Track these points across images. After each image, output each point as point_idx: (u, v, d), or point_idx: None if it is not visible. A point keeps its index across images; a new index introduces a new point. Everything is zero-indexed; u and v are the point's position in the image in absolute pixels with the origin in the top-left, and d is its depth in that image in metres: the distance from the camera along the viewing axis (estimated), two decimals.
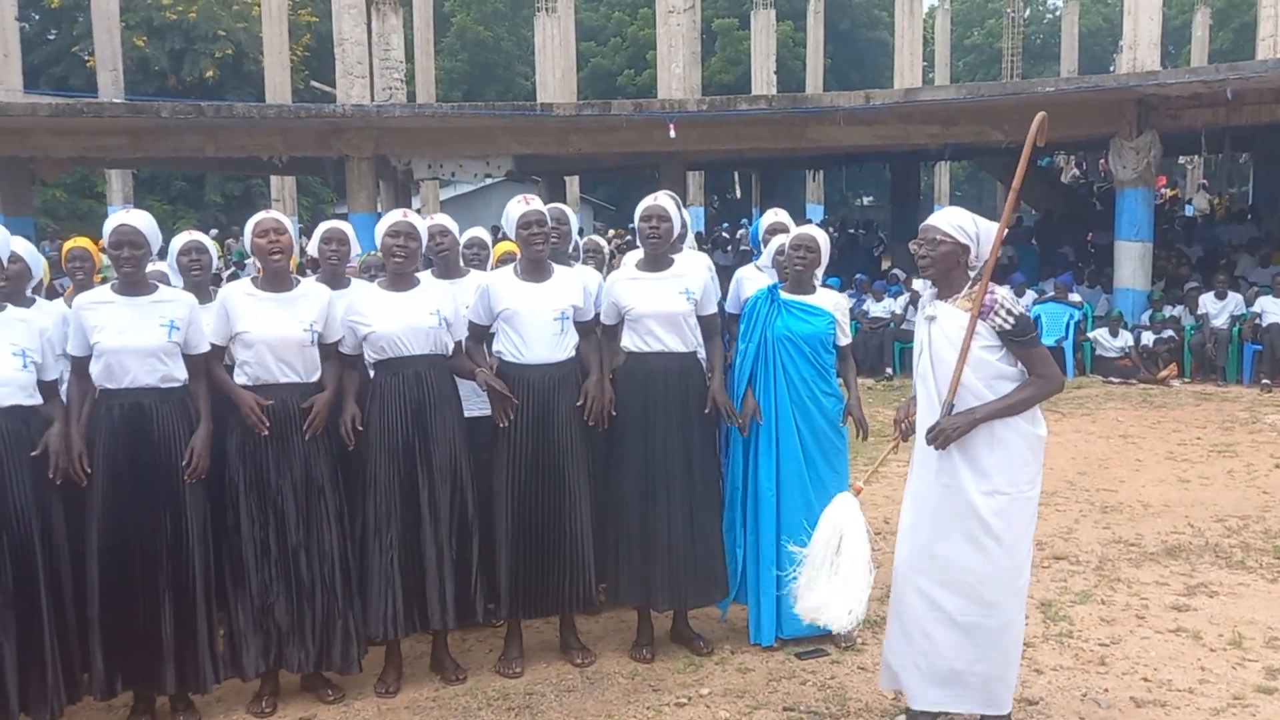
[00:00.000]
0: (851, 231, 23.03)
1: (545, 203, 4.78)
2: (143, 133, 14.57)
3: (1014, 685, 3.74)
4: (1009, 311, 3.54)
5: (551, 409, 4.40)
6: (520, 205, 4.47)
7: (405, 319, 4.25)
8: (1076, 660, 4.59)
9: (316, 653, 4.19)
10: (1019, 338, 3.55)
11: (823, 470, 4.66)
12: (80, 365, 3.97)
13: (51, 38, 30.34)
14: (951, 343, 3.58)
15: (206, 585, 4.07)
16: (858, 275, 15.35)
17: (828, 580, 3.72)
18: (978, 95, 13.71)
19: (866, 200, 41.35)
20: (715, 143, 14.97)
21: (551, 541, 4.45)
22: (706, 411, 4.52)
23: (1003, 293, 3.59)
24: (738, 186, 35.02)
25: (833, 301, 4.79)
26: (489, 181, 18.86)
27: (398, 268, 4.34)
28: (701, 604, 4.78)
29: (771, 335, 4.68)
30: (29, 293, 4.51)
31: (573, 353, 4.50)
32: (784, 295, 4.73)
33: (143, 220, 4.06)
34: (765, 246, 5.42)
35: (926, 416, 3.66)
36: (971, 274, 3.68)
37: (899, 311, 13.56)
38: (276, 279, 4.22)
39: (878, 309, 13.86)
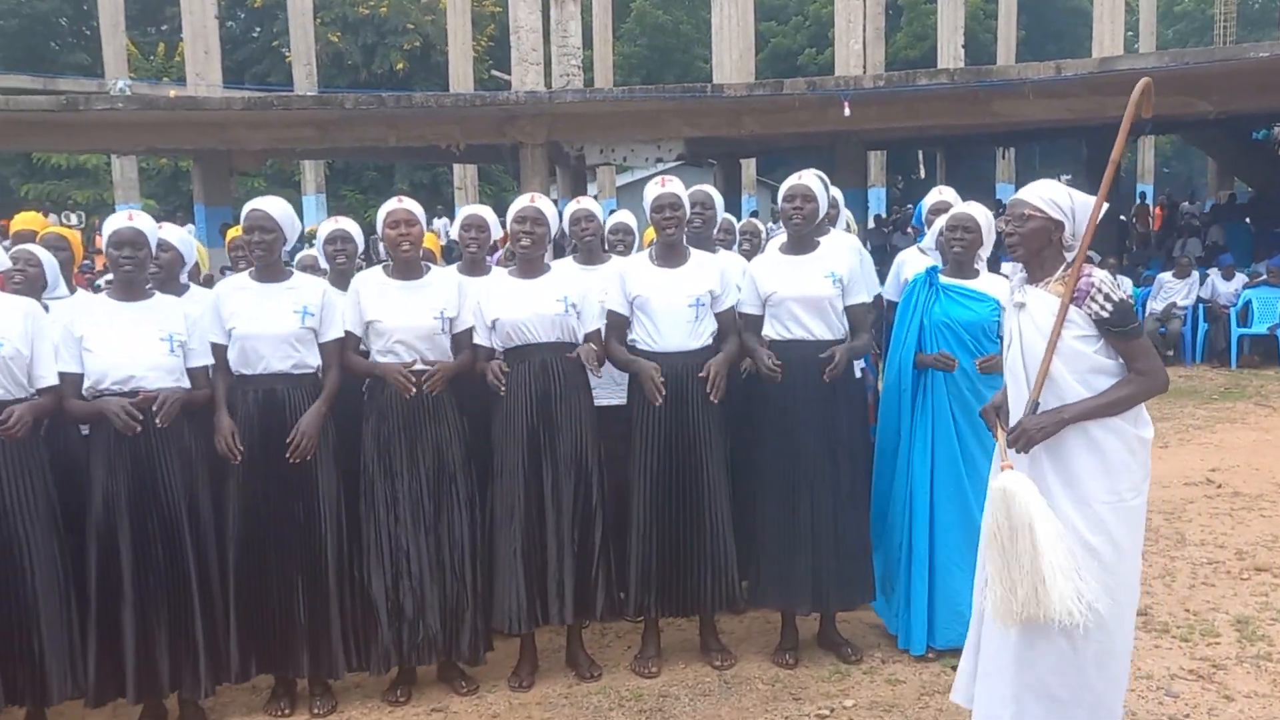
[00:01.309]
0: None
1: (721, 186, 4.59)
2: (329, 124, 15.14)
3: (1120, 713, 3.31)
4: (1107, 297, 3.11)
5: (686, 399, 4.21)
6: (655, 188, 4.29)
7: (532, 306, 4.15)
8: (1274, 687, 4.08)
9: (445, 642, 4.16)
10: (1118, 328, 3.12)
11: (984, 468, 4.27)
12: (220, 351, 4.02)
13: (255, 35, 32.11)
14: (1042, 333, 3.17)
15: (339, 571, 4.08)
16: None
17: (1026, 572, 3.10)
18: (1181, 63, 12.66)
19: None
20: (893, 120, 14.40)
21: (689, 536, 4.27)
22: (825, 378, 4.17)
23: (1100, 275, 3.16)
24: (922, 165, 33.86)
25: (997, 287, 4.40)
26: (663, 166, 18.76)
27: (524, 253, 4.25)
28: (845, 607, 4.50)
29: (929, 322, 4.35)
30: (183, 278, 4.63)
31: (709, 341, 4.30)
32: (943, 280, 4.38)
33: (276, 206, 4.08)
34: (929, 228, 5.07)
35: (1016, 416, 3.24)
36: (1068, 255, 3.25)
37: None
38: (407, 267, 4.18)
39: None
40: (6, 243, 4.64)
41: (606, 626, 4.78)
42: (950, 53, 26.16)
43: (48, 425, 3.89)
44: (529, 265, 4.28)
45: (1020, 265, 3.33)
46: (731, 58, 25.12)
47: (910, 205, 24.82)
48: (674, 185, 4.30)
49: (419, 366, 4.05)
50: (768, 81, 16.94)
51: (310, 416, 3.96)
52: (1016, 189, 3.46)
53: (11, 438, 3.59)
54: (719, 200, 5.02)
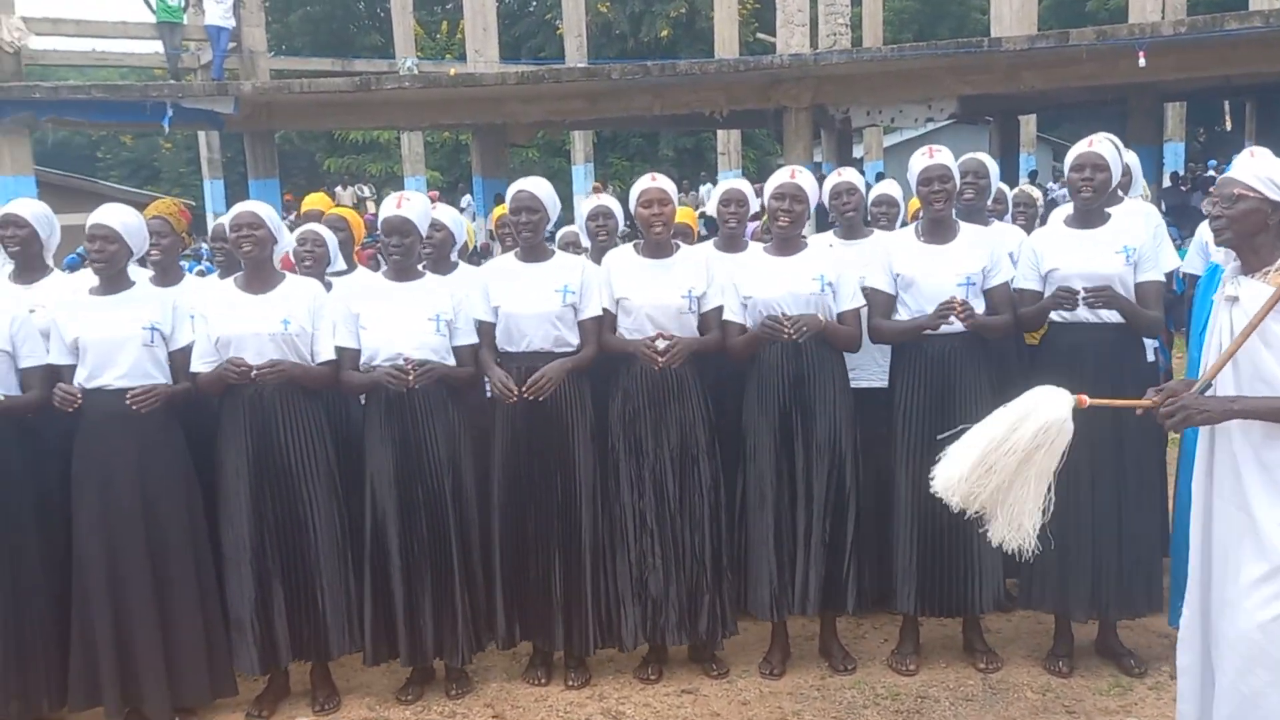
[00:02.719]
0: None
1: (997, 144, 4.29)
2: (597, 95, 15.45)
3: None
4: None
5: (952, 384, 3.95)
6: (922, 159, 4.01)
7: (787, 285, 4.00)
8: None
9: (686, 625, 4.12)
10: None
11: None
12: (486, 328, 4.12)
13: (530, 9, 33.27)
14: (1258, 331, 2.71)
15: (594, 548, 4.12)
16: None
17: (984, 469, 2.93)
18: None
19: None
20: (1196, 69, 13.13)
21: (954, 531, 4.01)
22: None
23: None
24: (1228, 117, 30.81)
25: None
26: (933, 125, 17.99)
27: (781, 231, 4.09)
28: (1126, 616, 4.11)
29: None
30: (454, 257, 4.79)
31: None
32: None
33: (541, 187, 4.13)
34: None
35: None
36: None
37: None
38: (658, 246, 4.13)
39: None
40: (291, 218, 4.97)
41: (861, 617, 4.60)
42: None
43: (328, 395, 4.12)
44: (785, 242, 4.13)
45: (1233, 253, 2.89)
46: (1010, 7, 23.59)
47: (1214, 162, 22.62)
48: (943, 155, 4.02)
49: (661, 344, 3.98)
50: (1051, 33, 15.79)
51: (556, 364, 3.96)
52: None
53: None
54: (993, 169, 4.67)
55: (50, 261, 4.34)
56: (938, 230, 4.05)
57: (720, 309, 4.12)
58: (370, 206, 22.15)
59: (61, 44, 23.05)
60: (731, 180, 4.80)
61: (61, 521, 3.90)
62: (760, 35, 27.75)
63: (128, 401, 3.73)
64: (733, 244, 4.61)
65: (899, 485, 4.09)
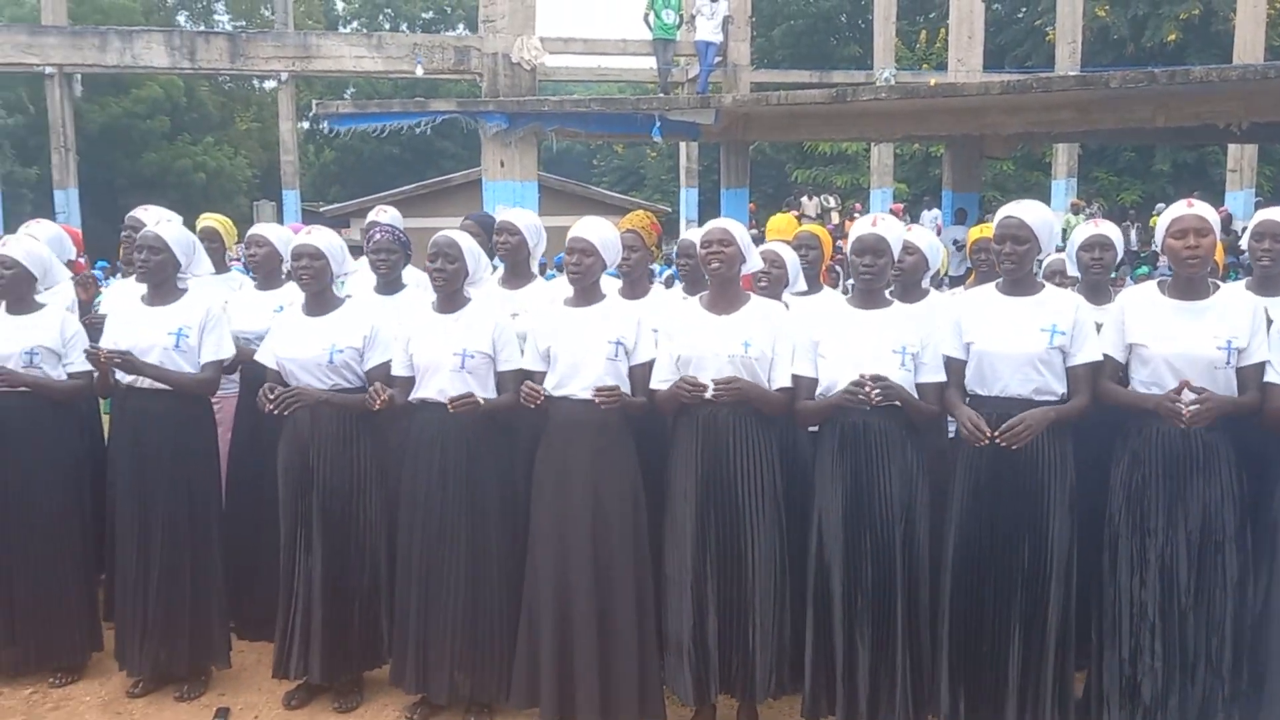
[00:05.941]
0: None
1: None
2: (1090, 105, 14.19)
3: None
4: None
5: None
6: None
7: (1190, 343, 3.35)
8: None
9: None
10: None
11: None
12: (954, 365, 3.73)
13: (1019, 17, 31.60)
14: None
15: (1063, 629, 3.59)
16: None
17: None
18: None
19: None
20: None
21: None
22: None
23: None
24: None
25: None
26: None
27: (1189, 271, 3.44)
28: None
29: None
30: (925, 283, 4.44)
31: None
32: None
33: (1034, 213, 3.67)
34: None
35: None
36: None
37: None
38: (1189, 286, 3.51)
39: None
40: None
41: None
42: None
43: (780, 424, 3.93)
44: (1189, 285, 3.49)
45: None
46: None
47: None
48: None
49: (1187, 397, 3.35)
50: None
51: (1039, 412, 3.47)
52: None
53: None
54: None
55: (535, 268, 4.55)
56: None
57: (1261, 366, 3.42)
58: (834, 217, 22.15)
59: (569, 61, 25.38)
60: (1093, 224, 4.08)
61: (522, 521, 4.05)
62: None
63: (593, 397, 3.75)
64: (1096, 293, 3.90)
65: None
